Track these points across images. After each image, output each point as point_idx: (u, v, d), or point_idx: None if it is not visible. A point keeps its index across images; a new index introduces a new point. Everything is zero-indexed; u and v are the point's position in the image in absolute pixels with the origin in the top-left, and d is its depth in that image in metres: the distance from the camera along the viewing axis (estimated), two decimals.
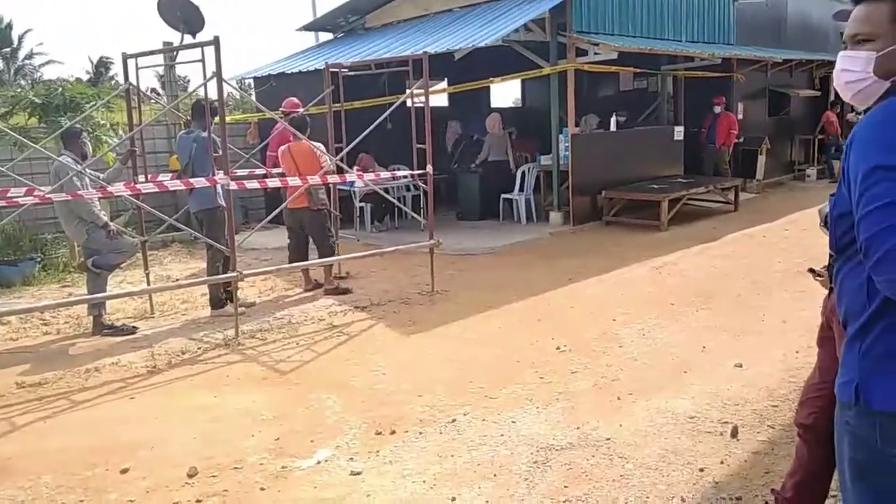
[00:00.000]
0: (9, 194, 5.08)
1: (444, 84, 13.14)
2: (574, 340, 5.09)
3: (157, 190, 5.61)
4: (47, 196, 4.87)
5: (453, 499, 3.03)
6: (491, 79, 10.53)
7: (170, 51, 6.69)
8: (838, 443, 1.69)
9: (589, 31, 9.75)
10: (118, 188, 5.29)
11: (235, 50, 37.23)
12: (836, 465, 1.72)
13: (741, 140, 12.38)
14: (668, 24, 11.16)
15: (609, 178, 10.00)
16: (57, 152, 5.79)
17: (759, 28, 13.27)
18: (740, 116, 12.49)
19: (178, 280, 7.18)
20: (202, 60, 5.66)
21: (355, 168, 9.00)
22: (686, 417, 3.66)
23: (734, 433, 3.41)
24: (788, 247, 7.97)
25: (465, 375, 4.52)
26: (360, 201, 9.82)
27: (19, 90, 9.89)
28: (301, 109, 8.00)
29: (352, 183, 8.90)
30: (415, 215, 7.44)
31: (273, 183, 6.29)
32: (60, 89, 8.48)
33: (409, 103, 7.37)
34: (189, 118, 6.47)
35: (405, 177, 8.90)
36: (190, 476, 3.34)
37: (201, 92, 6.07)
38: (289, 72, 10.96)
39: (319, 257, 6.68)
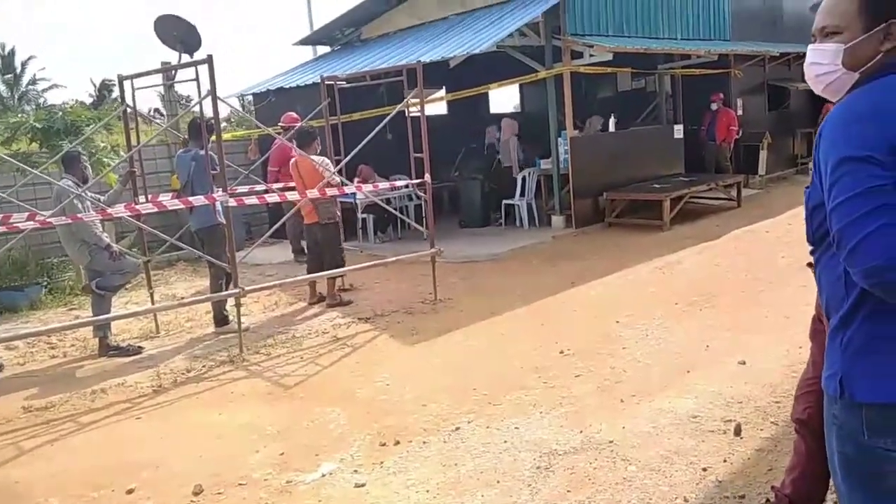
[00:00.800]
0: (11, 220, 5.14)
1: (442, 92, 13.19)
2: (577, 344, 5.08)
3: (156, 210, 5.65)
4: (48, 220, 4.92)
5: None
6: (488, 85, 10.57)
7: (165, 71, 6.76)
8: (827, 437, 1.69)
9: (583, 34, 9.77)
10: (118, 210, 5.33)
11: (234, 68, 37.47)
12: (829, 461, 1.72)
13: (741, 136, 12.35)
14: (662, 22, 11.18)
15: (610, 180, 10.00)
16: (58, 176, 5.85)
17: (756, 22, 13.26)
18: (740, 112, 12.46)
19: (182, 298, 7.22)
20: (197, 79, 5.72)
21: (355, 180, 9.06)
22: (689, 417, 3.65)
23: (737, 431, 3.39)
24: (792, 241, 7.93)
25: (469, 383, 4.52)
26: (362, 213, 9.86)
27: (21, 115, 9.97)
28: (299, 123, 8.04)
29: (353, 195, 8.96)
30: (416, 225, 7.44)
31: (272, 198, 6.32)
32: (61, 113, 8.57)
33: (407, 113, 7.40)
34: (187, 137, 6.51)
35: (405, 186, 8.93)
36: (195, 494, 3.36)
37: (197, 110, 6.11)
38: (287, 86, 11.04)
39: (326, 270, 6.70)
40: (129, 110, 6.43)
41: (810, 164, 1.60)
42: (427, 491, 3.21)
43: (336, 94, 7.68)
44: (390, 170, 10.44)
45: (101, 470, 3.68)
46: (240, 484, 3.44)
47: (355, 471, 3.49)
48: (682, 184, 10.34)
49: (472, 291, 6.97)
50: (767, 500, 2.61)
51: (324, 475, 3.48)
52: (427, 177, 6.52)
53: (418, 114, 6.73)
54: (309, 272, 6.98)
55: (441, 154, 11.63)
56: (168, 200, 5.76)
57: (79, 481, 3.55)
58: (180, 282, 8.54)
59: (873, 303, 1.52)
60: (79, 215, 5.19)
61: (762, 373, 4.16)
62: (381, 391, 4.57)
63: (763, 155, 12.58)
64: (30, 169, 5.39)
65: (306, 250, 7.20)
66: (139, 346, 5.80)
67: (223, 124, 14.96)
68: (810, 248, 1.68)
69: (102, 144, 8.64)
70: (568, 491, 3.05)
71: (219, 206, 5.79)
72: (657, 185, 10.09)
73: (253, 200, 6.25)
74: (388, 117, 6.54)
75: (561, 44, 9.56)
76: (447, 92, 12.84)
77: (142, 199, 6.24)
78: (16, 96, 33.97)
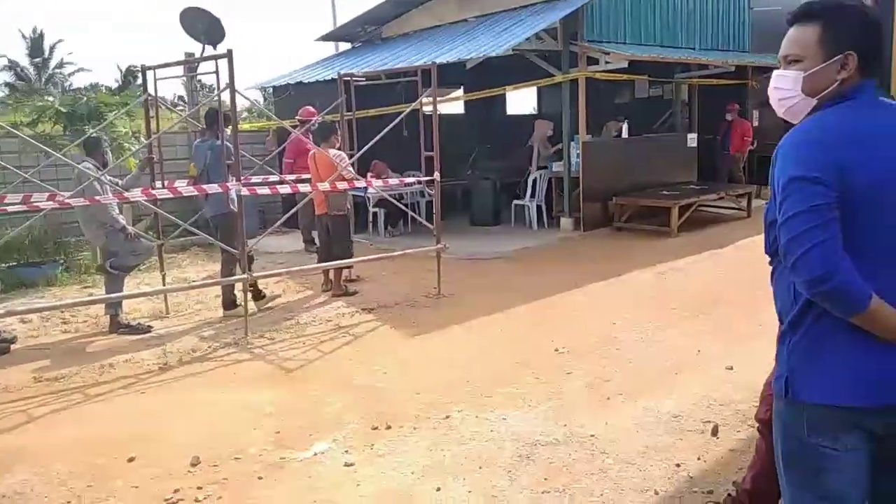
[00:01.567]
0: (31, 199, 5.35)
1: (459, 92, 13.33)
2: (573, 343, 5.19)
3: (171, 195, 5.84)
4: (66, 201, 5.11)
5: (438, 489, 3.16)
6: (504, 87, 10.68)
7: (186, 63, 6.95)
8: (775, 435, 1.81)
9: (601, 40, 9.86)
10: (135, 194, 5.52)
11: (258, 59, 37.87)
12: (775, 457, 1.83)
13: (756, 147, 12.36)
14: (682, 32, 11.23)
15: (620, 185, 10.07)
16: (79, 159, 6.05)
17: (777, 35, 13.15)
18: (756, 123, 12.46)
19: (193, 282, 7.41)
20: (216, 72, 5.90)
21: (369, 174, 9.22)
22: (670, 416, 3.75)
23: (714, 432, 3.50)
24: None
25: (464, 375, 4.65)
26: (374, 207, 10.02)
27: (48, 99, 10.23)
28: (316, 118, 8.22)
29: (365, 189, 9.12)
30: (423, 221, 7.58)
31: (284, 189, 6.50)
32: (85, 99, 8.80)
33: (420, 111, 7.54)
34: (204, 127, 6.70)
35: (415, 183, 9.07)
36: (193, 465, 3.51)
37: (216, 101, 6.29)
38: (306, 81, 11.22)
39: (334, 260, 6.86)
40: (150, 98, 6.63)
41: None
42: (412, 473, 3.35)
43: (352, 90, 7.83)
44: (406, 166, 10.60)
45: (105, 439, 3.85)
46: (235, 458, 3.60)
47: (346, 451, 3.63)
48: (692, 192, 10.39)
49: (475, 288, 7.09)
50: (729, 494, 2.72)
51: (316, 454, 3.62)
52: (436, 174, 6.65)
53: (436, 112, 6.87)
54: (319, 261, 7.16)
55: (457, 152, 11.80)
56: (183, 187, 5.94)
57: (83, 449, 3.73)
58: (193, 266, 8.75)
59: (818, 311, 1.65)
60: (97, 197, 5.38)
61: (747, 378, 4.24)
62: (377, 379, 4.71)
63: None
64: (51, 151, 5.59)
65: (317, 240, 7.38)
66: (149, 325, 5.99)
67: (245, 115, 15.24)
68: (768, 259, 1.81)
69: (124, 130, 8.86)
70: (545, 479, 3.17)
71: (232, 195, 5.96)
72: (667, 192, 10.15)
73: (265, 190, 6.42)
74: (401, 116, 6.68)
75: (577, 49, 9.66)
76: (465, 92, 12.98)
77: (158, 184, 6.44)
78: (43, 79, 34.61)
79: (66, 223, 8.47)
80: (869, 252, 1.61)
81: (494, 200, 10.79)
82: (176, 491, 3.26)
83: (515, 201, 10.52)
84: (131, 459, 3.58)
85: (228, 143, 5.97)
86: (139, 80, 6.71)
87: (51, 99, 10.28)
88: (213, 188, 5.82)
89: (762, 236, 1.82)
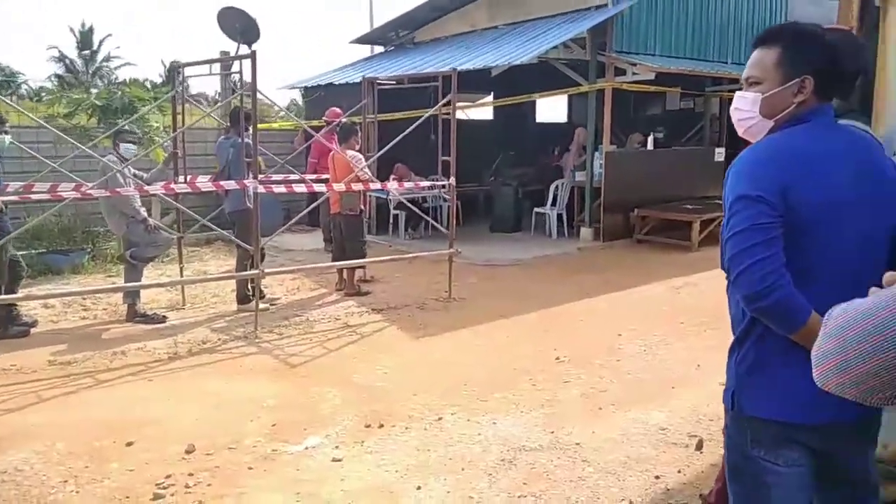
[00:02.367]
0: (58, 189, 5.56)
1: (489, 98, 13.39)
2: (575, 352, 5.21)
3: (191, 191, 6.01)
4: (89, 192, 5.31)
5: (419, 487, 3.22)
6: (531, 95, 10.72)
7: (216, 62, 7.14)
8: (725, 449, 1.83)
9: (629, 52, 9.82)
10: (155, 188, 5.70)
11: (299, 58, 38.48)
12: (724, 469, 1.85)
13: None
14: (713, 45, 11.11)
15: (643, 197, 10.01)
16: (105, 151, 6.26)
17: None
18: None
19: (210, 275, 7.59)
20: (240, 72, 6.06)
21: (392, 177, 9.34)
22: (658, 429, 3.75)
23: (699, 446, 3.49)
24: None
25: (463, 379, 4.70)
26: (395, 209, 10.13)
27: (92, 92, 10.59)
28: (340, 119, 8.35)
29: (387, 191, 9.23)
30: (438, 225, 7.65)
31: (299, 188, 6.63)
32: (120, 93, 9.09)
33: (439, 117, 7.61)
34: (229, 125, 6.88)
35: (433, 187, 9.16)
36: (187, 452, 3.63)
37: (238, 101, 6.45)
38: (336, 83, 11.40)
39: (348, 259, 6.97)
40: (178, 95, 6.83)
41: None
42: (396, 471, 3.41)
43: (376, 93, 7.96)
44: (431, 171, 10.68)
45: (108, 423, 4.00)
46: (229, 448, 3.70)
47: (336, 447, 3.71)
48: (716, 206, 10.25)
49: (487, 293, 7.13)
50: None
51: (307, 448, 3.71)
52: (451, 179, 6.72)
53: (463, 118, 6.94)
54: (333, 260, 7.28)
55: (482, 158, 11.87)
56: (202, 182, 6.11)
57: (86, 431, 3.88)
58: (215, 260, 8.95)
59: (762, 327, 1.67)
60: (118, 189, 5.57)
61: None
62: (378, 378, 4.79)
63: None
64: (76, 143, 5.80)
65: (332, 236, 7.51)
66: (164, 316, 6.17)
67: (280, 114, 15.48)
68: (725, 274, 1.83)
69: (156, 125, 9.12)
70: (524, 483, 3.21)
71: (250, 192, 6.11)
72: (690, 206, 10.05)
73: (280, 189, 6.56)
74: (419, 121, 6.76)
75: (605, 60, 9.64)
76: (494, 98, 13.04)
77: (181, 179, 6.63)
78: (90, 71, 35.68)
79: (94, 213, 8.72)
80: (813, 273, 1.63)
81: (516, 207, 10.81)
82: (168, 476, 3.37)
83: (536, 209, 10.53)
84: (130, 444, 3.71)
85: (249, 142, 6.13)
86: (180, 76, 6.92)
87: (94, 91, 10.64)
88: (230, 185, 5.97)
89: None
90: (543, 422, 3.93)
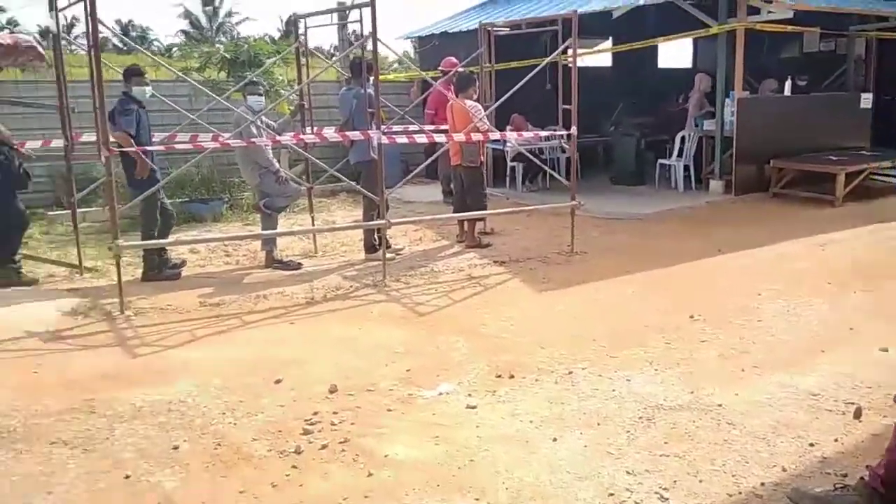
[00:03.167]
0: (198, 139, 5.90)
1: (607, 43, 12.83)
2: (710, 311, 4.99)
3: (319, 141, 6.18)
4: (226, 142, 5.58)
5: (554, 439, 3.23)
6: (655, 39, 10.15)
7: (334, 11, 7.24)
8: None
9: None
10: (285, 138, 5.91)
11: (411, 6, 38.42)
12: None
13: None
14: None
15: (779, 147, 9.34)
16: (239, 104, 6.53)
17: None
18: None
19: (338, 225, 7.87)
20: (360, 21, 6.09)
21: (508, 128, 9.20)
22: (809, 394, 3.55)
23: (857, 414, 3.27)
24: None
25: (590, 334, 4.64)
26: (512, 160, 10.02)
27: (216, 46, 11.07)
28: (456, 68, 8.28)
29: (504, 142, 9.13)
30: (558, 177, 7.49)
31: (421, 138, 6.66)
32: (246, 46, 9.43)
33: (559, 64, 7.38)
34: (350, 76, 6.96)
35: (552, 137, 8.94)
36: (330, 392, 3.82)
37: (360, 50, 6.49)
38: (451, 31, 11.27)
39: (468, 211, 6.99)
40: (301, 47, 6.99)
41: None
42: (530, 421, 3.44)
43: (492, 41, 7.79)
44: (548, 121, 10.42)
45: (256, 361, 4.27)
46: (368, 390, 3.86)
47: (469, 394, 3.78)
48: (863, 158, 9.44)
49: (610, 248, 6.97)
50: (862, 478, 2.55)
51: (440, 394, 3.81)
52: (573, 129, 6.53)
53: (580, 64, 6.69)
54: (454, 212, 7.33)
55: (601, 107, 11.44)
56: (329, 133, 6.26)
57: (238, 368, 4.17)
58: (341, 210, 9.26)
59: None
60: (252, 140, 5.81)
61: None
62: (504, 329, 4.82)
63: None
64: (213, 95, 6.08)
65: (453, 188, 7.54)
66: (299, 262, 6.47)
67: (395, 66, 15.60)
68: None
69: (280, 77, 9.42)
70: (665, 443, 3.14)
71: (374, 143, 6.21)
72: (833, 158, 9.28)
73: (403, 139, 6.63)
74: (538, 68, 6.58)
75: None
76: (613, 43, 12.48)
77: (308, 130, 6.83)
78: (213, 27, 37.32)
79: (230, 164, 9.22)
80: None
81: (638, 159, 10.41)
82: (315, 413, 3.56)
83: (660, 161, 10.09)
84: (278, 381, 3.95)
85: (371, 92, 6.19)
86: (300, 30, 7.07)
87: (218, 46, 11.11)
88: (355, 135, 6.09)
89: None
90: (680, 381, 3.82)
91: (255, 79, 6.82)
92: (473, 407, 3.62)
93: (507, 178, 10.17)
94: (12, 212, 5.93)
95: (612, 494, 2.77)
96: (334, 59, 9.46)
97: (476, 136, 6.53)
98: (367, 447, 3.22)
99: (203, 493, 2.89)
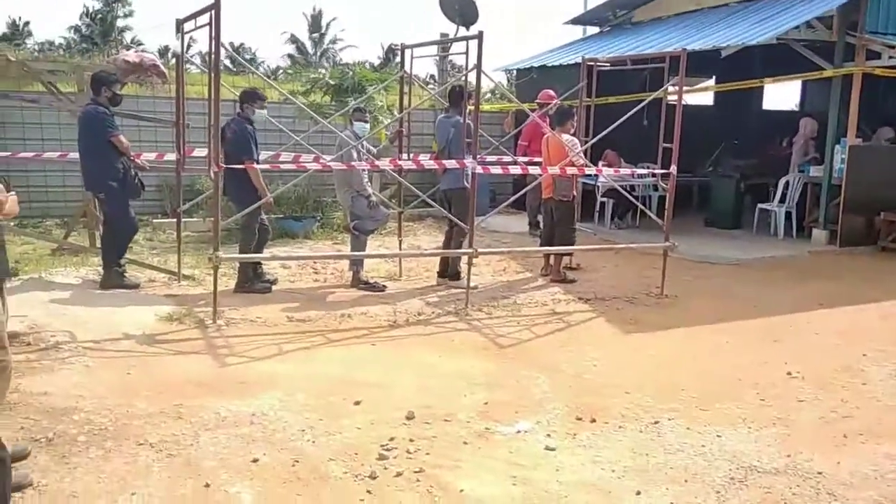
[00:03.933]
0: (301, 159, 6.11)
1: (710, 82, 12.49)
2: (810, 369, 4.69)
3: (415, 167, 6.28)
4: (328, 164, 5.75)
5: (638, 492, 3.09)
6: (762, 79, 9.80)
7: (440, 43, 7.39)
8: None
9: (886, 32, 8.58)
10: (383, 163, 6.04)
11: (505, 39, 38.84)
12: None
13: None
14: None
15: (892, 199, 8.76)
16: (342, 127, 6.74)
17: None
18: None
19: (424, 250, 7.93)
20: (466, 52, 6.18)
21: (600, 163, 9.07)
22: None
23: None
24: None
25: (679, 382, 4.45)
26: (602, 196, 9.85)
27: (321, 71, 11.52)
28: (554, 102, 8.26)
29: (595, 177, 9.00)
30: (653, 216, 7.28)
31: (515, 170, 6.65)
32: (351, 73, 9.77)
33: (664, 101, 7.22)
34: (449, 104, 7.05)
35: (648, 175, 8.74)
36: (408, 418, 3.81)
37: (462, 80, 6.59)
38: (549, 64, 11.28)
39: (556, 245, 6.90)
40: (405, 76, 7.16)
41: None
42: (613, 471, 3.30)
43: (594, 76, 7.73)
44: (641, 157, 10.21)
45: (338, 380, 4.33)
46: (445, 420, 3.82)
47: (548, 435, 3.68)
48: None
49: (703, 293, 6.69)
50: None
51: (519, 431, 3.72)
52: (673, 167, 6.35)
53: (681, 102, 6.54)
54: (542, 245, 7.25)
55: (698, 147, 11.07)
56: (425, 160, 6.35)
57: (320, 385, 4.22)
58: (427, 235, 9.34)
59: None
60: (353, 163, 5.96)
61: None
62: (587, 370, 4.69)
63: None
64: (319, 118, 6.31)
65: (541, 224, 7.46)
66: (384, 285, 6.55)
67: (487, 96, 15.74)
68: None
69: (381, 104, 9.68)
70: None
71: (468, 171, 6.25)
72: None
73: (497, 170, 6.63)
74: (643, 104, 6.46)
75: (855, 41, 8.51)
76: (716, 82, 12.14)
77: (405, 156, 6.95)
78: (318, 53, 38.98)
79: (324, 184, 9.52)
80: None
81: (736, 202, 10.01)
82: (391, 439, 3.55)
83: (761, 205, 9.66)
84: (357, 403, 3.98)
85: (469, 122, 6.25)
86: (397, 58, 7.26)
87: (322, 72, 11.56)
88: (451, 164, 6.14)
89: None
90: (777, 442, 3.59)
91: (361, 105, 7.04)
92: (553, 449, 3.52)
93: (597, 214, 9.99)
94: (125, 220, 6.29)
95: None
96: (436, 88, 9.64)
97: (571, 171, 6.46)
98: (442, 479, 3.17)
99: None
